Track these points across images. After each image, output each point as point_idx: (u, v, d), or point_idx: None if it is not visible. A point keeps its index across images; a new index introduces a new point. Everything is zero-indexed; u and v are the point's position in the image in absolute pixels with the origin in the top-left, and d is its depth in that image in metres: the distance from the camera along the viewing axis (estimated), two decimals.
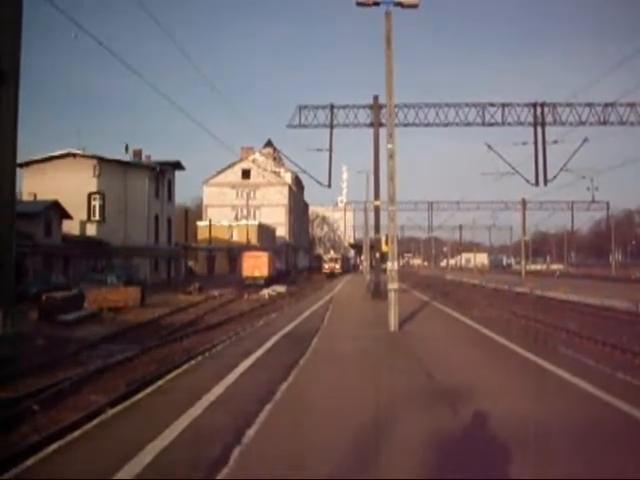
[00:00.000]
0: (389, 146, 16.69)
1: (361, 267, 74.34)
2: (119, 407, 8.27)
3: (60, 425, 8.98)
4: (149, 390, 9.32)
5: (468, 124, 33.47)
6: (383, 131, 24.60)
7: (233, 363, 11.02)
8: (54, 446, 6.32)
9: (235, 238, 75.70)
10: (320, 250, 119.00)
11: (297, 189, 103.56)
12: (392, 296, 16.36)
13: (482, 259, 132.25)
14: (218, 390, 8.69)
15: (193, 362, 12.42)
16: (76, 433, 6.86)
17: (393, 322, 16.21)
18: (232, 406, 7.76)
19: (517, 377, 10.01)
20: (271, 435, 6.50)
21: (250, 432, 6.50)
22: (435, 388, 8.91)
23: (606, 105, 32.76)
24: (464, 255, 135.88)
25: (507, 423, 6.70)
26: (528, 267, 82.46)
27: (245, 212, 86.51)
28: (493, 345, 13.87)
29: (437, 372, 10.14)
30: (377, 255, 30.66)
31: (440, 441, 6.15)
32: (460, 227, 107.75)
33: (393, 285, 16.49)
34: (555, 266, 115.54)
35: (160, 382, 9.99)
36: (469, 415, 7.13)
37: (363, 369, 10.67)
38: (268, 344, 13.89)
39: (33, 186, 47.92)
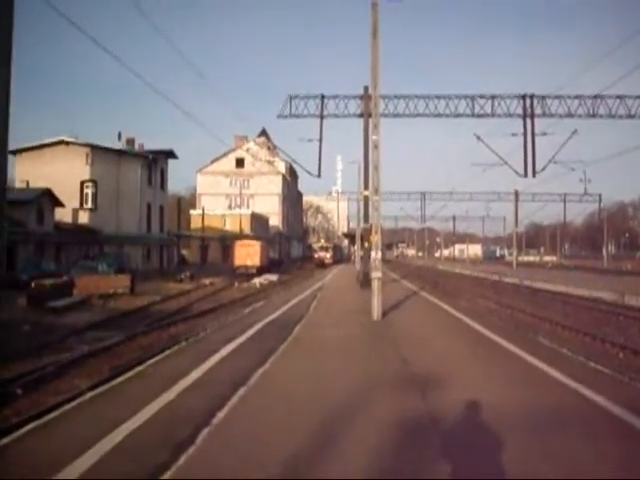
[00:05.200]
0: (374, 137, 16.80)
1: (353, 257, 74.51)
2: (97, 390, 8.47)
3: (41, 407, 9.18)
4: (129, 375, 9.51)
5: (458, 115, 33.51)
6: None
7: (214, 349, 11.24)
8: (30, 426, 6.51)
9: (228, 227, 75.76)
10: (314, 239, 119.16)
11: (291, 178, 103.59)
12: (375, 285, 16.48)
13: (475, 250, 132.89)
14: (195, 375, 8.90)
15: (176, 347, 12.63)
16: (53, 414, 7.06)
17: (376, 311, 16.34)
18: (206, 390, 7.96)
19: (490, 366, 10.20)
20: (239, 417, 6.72)
21: (220, 414, 6.71)
22: (407, 373, 9.15)
23: (595, 97, 32.87)
24: (457, 246, 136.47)
25: (472, 408, 6.90)
26: (521, 258, 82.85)
27: (239, 201, 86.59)
28: (472, 334, 14.07)
29: (412, 359, 10.37)
30: (366, 245, 30.82)
31: (403, 422, 6.39)
32: (453, 218, 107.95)
33: (377, 274, 16.56)
34: (548, 257, 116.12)
35: (141, 367, 10.17)
36: (434, 398, 7.39)
37: (338, 355, 10.89)
38: (251, 331, 14.10)
39: (25, 173, 47.85)
